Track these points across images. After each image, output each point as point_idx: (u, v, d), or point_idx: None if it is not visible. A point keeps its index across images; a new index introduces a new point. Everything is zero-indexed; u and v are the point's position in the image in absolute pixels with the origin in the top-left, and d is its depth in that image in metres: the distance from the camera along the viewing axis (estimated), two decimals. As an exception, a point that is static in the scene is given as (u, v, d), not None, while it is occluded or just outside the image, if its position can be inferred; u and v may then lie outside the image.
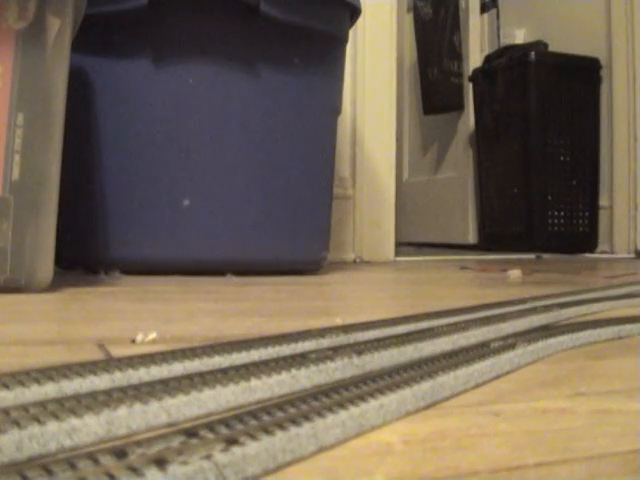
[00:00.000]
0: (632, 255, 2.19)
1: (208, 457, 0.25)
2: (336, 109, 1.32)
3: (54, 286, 0.86)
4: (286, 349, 0.45)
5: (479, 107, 2.58)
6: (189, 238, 1.11)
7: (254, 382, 0.36)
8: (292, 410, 0.30)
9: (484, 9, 2.78)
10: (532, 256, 2.14)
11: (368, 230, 1.73)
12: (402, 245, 2.57)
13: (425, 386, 0.36)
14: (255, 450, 0.26)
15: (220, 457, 0.25)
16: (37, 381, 0.34)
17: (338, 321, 0.62)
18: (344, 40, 1.30)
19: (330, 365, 0.40)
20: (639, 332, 0.59)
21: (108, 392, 0.31)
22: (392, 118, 1.79)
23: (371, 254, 1.73)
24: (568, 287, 1.02)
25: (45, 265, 0.84)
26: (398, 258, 1.80)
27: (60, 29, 0.84)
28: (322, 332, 0.49)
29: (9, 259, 0.81)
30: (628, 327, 0.59)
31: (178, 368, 0.39)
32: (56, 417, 0.28)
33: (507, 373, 0.44)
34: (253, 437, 0.27)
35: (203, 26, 1.10)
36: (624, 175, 2.25)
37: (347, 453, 0.29)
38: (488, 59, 2.55)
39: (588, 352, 0.52)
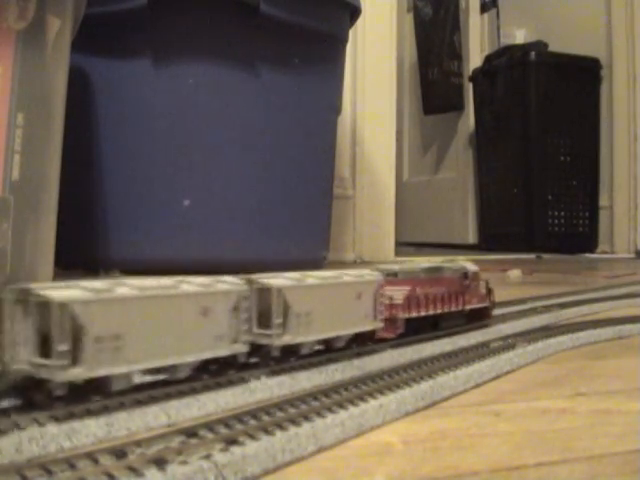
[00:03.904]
0: (632, 255, 2.18)
1: (207, 457, 0.25)
2: (336, 109, 1.32)
3: (54, 286, 0.86)
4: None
5: (479, 107, 2.57)
6: (189, 238, 1.11)
7: (254, 383, 0.36)
8: (292, 410, 0.30)
9: (484, 9, 2.78)
10: (532, 256, 2.14)
11: (368, 230, 1.73)
12: (402, 245, 2.56)
13: (425, 386, 0.36)
14: (254, 450, 0.26)
15: (219, 457, 0.25)
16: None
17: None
18: (344, 40, 1.30)
19: (330, 366, 0.40)
20: (639, 332, 0.59)
21: (107, 393, 0.31)
22: (392, 118, 1.78)
23: (371, 254, 1.73)
24: (568, 287, 1.02)
25: (45, 265, 0.84)
26: (398, 258, 1.80)
27: (60, 29, 0.84)
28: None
29: (9, 259, 0.81)
30: (628, 327, 0.59)
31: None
32: (56, 419, 0.28)
33: (507, 373, 0.44)
34: (252, 437, 0.27)
35: (203, 26, 1.10)
36: (624, 175, 2.25)
37: (347, 453, 0.29)
38: (488, 59, 2.55)
39: (588, 352, 0.52)
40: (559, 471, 0.27)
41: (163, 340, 0.30)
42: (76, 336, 0.27)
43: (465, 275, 0.52)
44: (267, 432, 0.27)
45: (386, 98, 1.77)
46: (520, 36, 2.72)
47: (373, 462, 0.27)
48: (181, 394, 0.32)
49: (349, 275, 0.41)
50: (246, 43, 1.11)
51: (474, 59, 2.68)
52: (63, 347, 0.27)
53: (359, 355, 0.42)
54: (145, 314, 0.30)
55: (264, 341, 0.35)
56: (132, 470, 0.23)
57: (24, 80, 0.83)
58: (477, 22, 2.75)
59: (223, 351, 0.33)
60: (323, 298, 0.38)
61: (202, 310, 0.32)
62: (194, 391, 0.33)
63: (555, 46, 2.40)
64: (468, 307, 0.52)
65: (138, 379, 0.31)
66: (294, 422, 0.29)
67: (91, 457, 0.24)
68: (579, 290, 0.92)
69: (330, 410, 0.31)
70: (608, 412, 0.36)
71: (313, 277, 0.38)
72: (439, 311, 0.48)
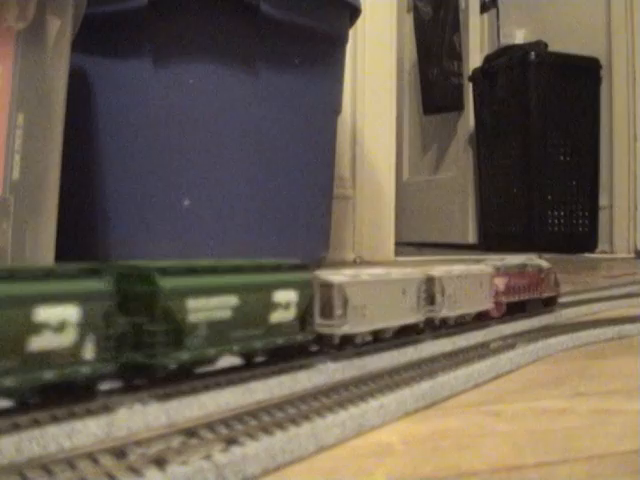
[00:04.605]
0: (632, 255, 2.18)
1: (208, 457, 0.25)
2: (336, 109, 1.32)
3: (54, 286, 0.86)
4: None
5: (479, 107, 2.57)
6: (189, 238, 1.11)
7: (254, 383, 0.36)
8: (292, 410, 0.30)
9: (484, 9, 2.78)
10: (532, 256, 2.14)
11: (368, 230, 1.73)
12: (402, 245, 2.56)
13: (425, 386, 0.36)
14: (255, 450, 0.26)
15: (220, 457, 0.25)
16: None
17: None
18: (344, 40, 1.30)
19: (330, 366, 0.40)
20: (639, 332, 0.59)
21: (108, 393, 0.31)
22: (392, 118, 1.78)
23: (371, 254, 1.73)
24: (568, 287, 1.02)
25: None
26: (398, 258, 1.80)
27: (60, 29, 0.84)
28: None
29: (9, 259, 0.81)
30: (628, 327, 0.59)
31: (178, 368, 0.39)
32: (56, 419, 0.28)
33: (507, 373, 0.44)
34: (253, 437, 0.27)
35: (203, 26, 1.10)
36: (624, 175, 2.25)
37: (347, 453, 0.29)
38: (488, 59, 2.55)
39: (588, 352, 0.52)
40: (559, 471, 0.27)
41: (384, 310, 0.45)
42: (344, 305, 0.41)
43: (541, 270, 0.64)
44: (267, 432, 0.27)
45: (386, 98, 1.77)
46: (520, 36, 2.72)
47: (373, 462, 0.27)
48: (181, 394, 0.32)
49: (475, 268, 0.55)
50: (246, 43, 1.11)
51: (474, 59, 2.67)
52: (339, 312, 0.41)
53: (359, 355, 0.42)
54: (375, 292, 0.44)
55: (430, 314, 0.49)
56: (132, 470, 0.23)
57: (24, 80, 0.83)
58: (477, 22, 2.75)
59: (412, 319, 0.47)
60: (462, 285, 0.52)
61: (403, 290, 0.46)
62: (194, 391, 0.33)
63: (555, 46, 2.40)
64: (544, 295, 0.64)
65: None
66: (294, 422, 0.29)
67: (91, 457, 0.24)
68: (579, 290, 0.92)
69: (330, 410, 0.31)
70: (608, 412, 0.36)
71: (456, 270, 0.52)
72: (526, 297, 0.61)
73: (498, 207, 2.49)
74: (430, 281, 0.49)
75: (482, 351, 0.45)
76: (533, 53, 2.30)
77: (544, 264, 0.65)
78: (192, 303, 0.32)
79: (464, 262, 0.60)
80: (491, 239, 2.55)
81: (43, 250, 0.84)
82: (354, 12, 1.29)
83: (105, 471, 0.23)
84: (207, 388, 0.34)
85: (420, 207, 2.98)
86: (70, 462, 0.24)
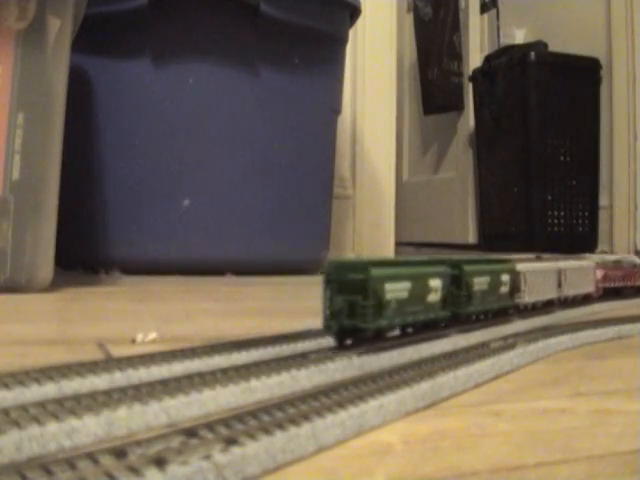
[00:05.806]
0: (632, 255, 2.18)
1: (207, 457, 0.25)
2: (336, 109, 1.32)
3: (54, 286, 0.86)
4: (286, 349, 0.45)
5: (479, 107, 2.57)
6: (189, 238, 1.11)
7: (254, 383, 0.36)
8: (292, 410, 0.30)
9: (484, 9, 2.78)
10: (532, 256, 2.14)
11: (368, 230, 1.73)
12: (402, 245, 2.56)
13: (425, 386, 0.36)
14: (255, 450, 0.26)
15: (220, 457, 0.25)
16: (37, 381, 0.34)
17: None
18: (344, 40, 1.30)
19: (330, 365, 0.40)
20: (639, 332, 0.59)
21: (108, 392, 0.31)
22: (392, 118, 1.78)
23: (371, 254, 1.73)
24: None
25: (45, 265, 0.84)
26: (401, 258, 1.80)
27: (60, 29, 0.84)
28: (322, 332, 0.49)
29: (9, 259, 0.81)
30: (628, 327, 0.59)
31: (178, 368, 0.39)
32: (56, 418, 0.28)
33: (507, 373, 0.44)
34: (253, 437, 0.27)
35: (203, 26, 1.10)
36: (624, 175, 2.25)
37: (347, 453, 0.29)
38: (488, 59, 2.54)
39: (588, 352, 0.52)
40: (559, 471, 0.27)
41: (541, 288, 0.62)
42: (525, 284, 0.59)
43: (635, 265, 0.80)
44: (267, 432, 0.27)
45: (386, 98, 1.77)
46: (520, 36, 2.72)
47: (373, 462, 0.27)
48: (181, 393, 0.32)
49: (582, 263, 0.71)
50: (246, 43, 1.12)
51: (474, 59, 2.67)
52: (524, 288, 0.58)
53: (359, 355, 0.42)
54: (538, 276, 0.61)
55: (560, 293, 0.66)
56: (132, 470, 0.23)
57: (24, 80, 0.83)
58: (477, 22, 2.75)
59: (552, 296, 0.65)
60: (576, 273, 0.69)
61: (549, 276, 0.64)
62: (194, 390, 0.33)
63: (555, 46, 2.40)
64: (637, 284, 0.80)
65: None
66: (294, 422, 0.29)
67: (91, 457, 0.24)
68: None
69: (330, 410, 0.31)
70: (608, 412, 0.36)
71: (572, 263, 0.69)
72: (620, 285, 0.78)
73: (498, 207, 2.49)
74: (559, 271, 0.66)
75: (482, 351, 0.45)
76: (533, 53, 2.30)
77: (637, 260, 0.83)
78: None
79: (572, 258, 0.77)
80: (491, 239, 2.55)
81: (43, 250, 0.84)
82: (354, 12, 1.29)
83: (105, 471, 0.23)
84: (207, 387, 0.34)
85: (420, 207, 2.98)
86: (70, 462, 0.24)
